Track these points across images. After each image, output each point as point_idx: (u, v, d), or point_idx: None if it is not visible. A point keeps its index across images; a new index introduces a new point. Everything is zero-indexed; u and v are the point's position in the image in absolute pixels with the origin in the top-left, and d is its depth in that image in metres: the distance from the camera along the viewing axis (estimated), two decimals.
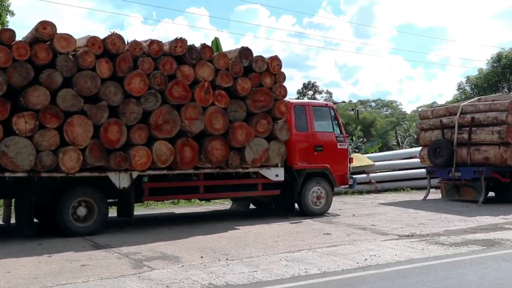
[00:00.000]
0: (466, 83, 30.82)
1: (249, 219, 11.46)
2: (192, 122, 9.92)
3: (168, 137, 9.73)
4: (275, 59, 11.08)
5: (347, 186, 12.69)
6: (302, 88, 75.12)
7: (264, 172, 11.16)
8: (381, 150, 27.45)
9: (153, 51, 9.76)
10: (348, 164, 12.49)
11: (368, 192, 17.56)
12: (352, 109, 13.47)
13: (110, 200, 10.16)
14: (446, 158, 14.70)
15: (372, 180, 17.73)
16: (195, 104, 9.98)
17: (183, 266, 6.96)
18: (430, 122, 15.68)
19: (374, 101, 75.03)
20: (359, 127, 26.10)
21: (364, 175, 17.59)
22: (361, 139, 31.09)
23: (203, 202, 14.21)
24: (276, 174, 11.28)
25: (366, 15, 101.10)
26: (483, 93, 27.53)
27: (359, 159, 17.80)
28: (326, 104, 12.61)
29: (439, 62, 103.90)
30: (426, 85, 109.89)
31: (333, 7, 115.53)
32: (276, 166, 11.28)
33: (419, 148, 17.15)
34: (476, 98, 15.67)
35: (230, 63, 10.53)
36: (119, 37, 9.33)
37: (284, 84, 11.19)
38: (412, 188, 18.18)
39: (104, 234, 9.43)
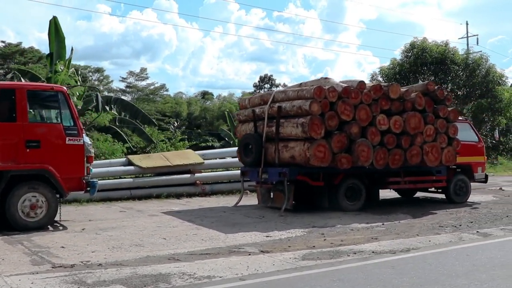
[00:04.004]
0: (379, 73, 28.15)
1: None
2: None
3: None
4: None
5: (84, 191, 10.00)
6: (258, 82, 72.60)
7: None
8: None
9: None
10: (85, 164, 9.78)
11: (191, 195, 14.65)
12: (96, 95, 10.69)
13: None
14: (255, 156, 12.09)
15: (198, 181, 14.87)
16: None
17: None
18: (246, 112, 13.00)
19: None
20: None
21: (189, 175, 14.86)
22: None
23: None
24: None
25: (336, 10, 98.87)
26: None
27: (186, 156, 15.14)
28: (52, 88, 9.86)
29: None
30: None
31: (303, 1, 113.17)
32: None
33: None
34: (297, 84, 12.96)
35: None
36: None
37: None
38: (252, 191, 15.36)
39: None
